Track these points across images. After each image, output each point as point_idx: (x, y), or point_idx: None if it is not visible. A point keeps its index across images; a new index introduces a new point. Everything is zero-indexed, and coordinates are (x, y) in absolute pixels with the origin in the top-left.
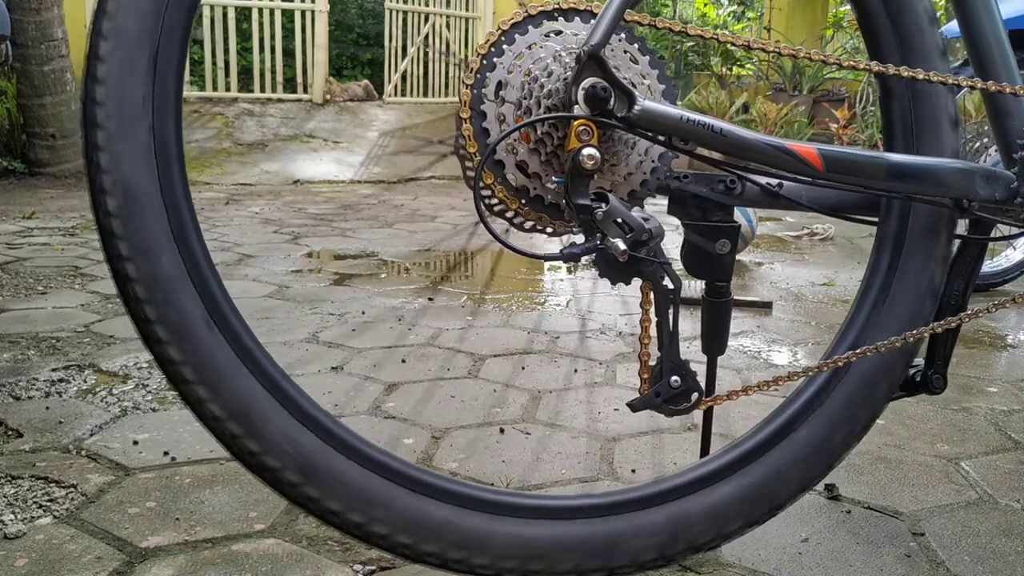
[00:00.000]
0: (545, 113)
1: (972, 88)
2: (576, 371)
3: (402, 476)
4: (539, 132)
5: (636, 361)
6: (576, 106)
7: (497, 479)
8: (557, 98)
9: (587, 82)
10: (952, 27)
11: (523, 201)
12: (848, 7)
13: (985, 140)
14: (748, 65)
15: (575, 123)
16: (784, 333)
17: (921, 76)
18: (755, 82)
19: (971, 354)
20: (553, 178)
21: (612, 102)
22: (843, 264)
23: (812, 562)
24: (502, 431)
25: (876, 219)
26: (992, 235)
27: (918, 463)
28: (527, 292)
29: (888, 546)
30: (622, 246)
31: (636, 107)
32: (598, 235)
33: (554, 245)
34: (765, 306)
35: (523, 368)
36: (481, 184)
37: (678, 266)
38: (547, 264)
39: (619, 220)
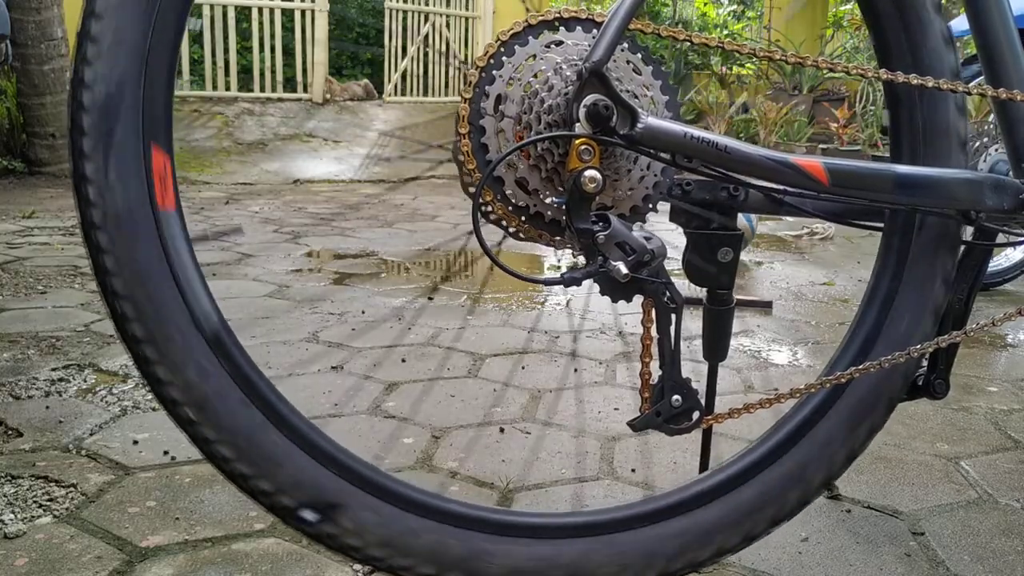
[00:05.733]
0: (546, 129)
1: (982, 95)
2: (576, 370)
3: (354, 474)
4: (539, 149)
5: (635, 360)
6: (577, 124)
7: (497, 479)
8: (558, 114)
9: (589, 99)
10: (960, 24)
11: (523, 218)
12: (848, 7)
13: (985, 140)
14: (748, 65)
15: (576, 142)
16: (784, 333)
17: (931, 84)
18: (755, 81)
19: (971, 354)
20: (553, 199)
21: (614, 119)
22: (843, 264)
23: (812, 561)
24: (502, 430)
25: (881, 225)
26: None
27: (918, 462)
28: (527, 291)
29: (888, 545)
30: (624, 269)
31: (639, 124)
32: (600, 258)
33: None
34: (765, 306)
35: (523, 367)
36: (481, 202)
37: (679, 266)
38: (546, 263)
39: (621, 242)
